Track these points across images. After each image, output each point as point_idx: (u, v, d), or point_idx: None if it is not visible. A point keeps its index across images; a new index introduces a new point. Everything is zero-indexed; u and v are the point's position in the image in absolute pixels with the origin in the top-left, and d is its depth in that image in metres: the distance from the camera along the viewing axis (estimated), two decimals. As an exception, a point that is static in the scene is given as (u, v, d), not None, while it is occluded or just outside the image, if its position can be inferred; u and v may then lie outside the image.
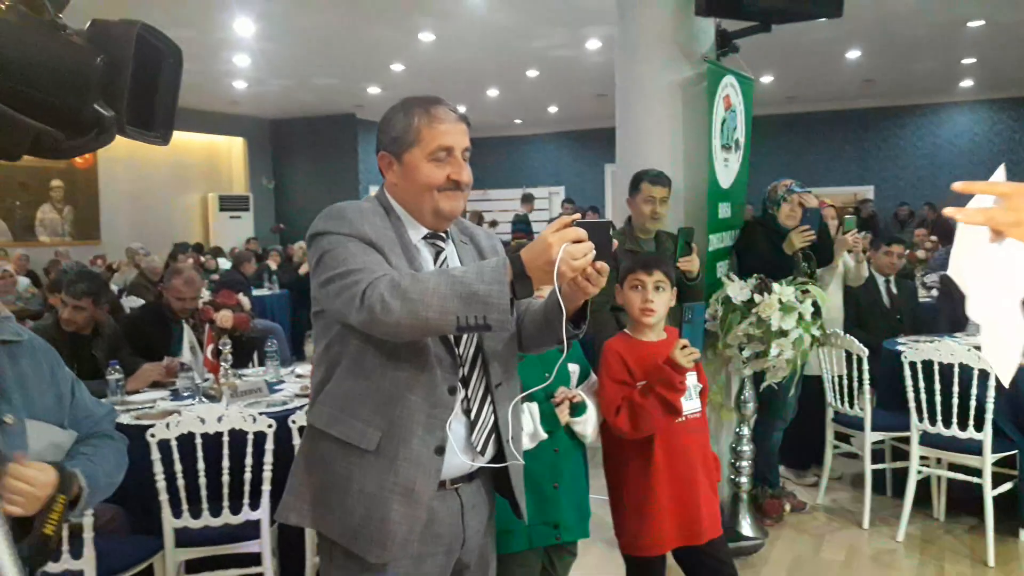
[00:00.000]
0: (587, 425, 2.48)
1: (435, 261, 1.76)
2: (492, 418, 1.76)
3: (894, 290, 5.07)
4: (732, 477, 3.84)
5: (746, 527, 3.80)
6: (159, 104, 0.85)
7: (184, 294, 3.98)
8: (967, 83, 12.15)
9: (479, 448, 1.74)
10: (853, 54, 10.08)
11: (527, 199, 12.70)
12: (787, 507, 4.16)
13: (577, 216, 1.56)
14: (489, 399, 1.76)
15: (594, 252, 1.50)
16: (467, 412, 1.73)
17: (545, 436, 2.36)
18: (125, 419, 3.09)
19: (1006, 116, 12.76)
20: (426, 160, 1.70)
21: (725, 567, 2.56)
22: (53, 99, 0.74)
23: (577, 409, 2.46)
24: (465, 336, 1.73)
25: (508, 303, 1.47)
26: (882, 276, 5.05)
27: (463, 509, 1.77)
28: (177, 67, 0.87)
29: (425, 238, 1.77)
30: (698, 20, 4.39)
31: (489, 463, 1.77)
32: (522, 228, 11.77)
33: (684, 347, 2.41)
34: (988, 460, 3.57)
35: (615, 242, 2.95)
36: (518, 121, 15.60)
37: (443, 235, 1.80)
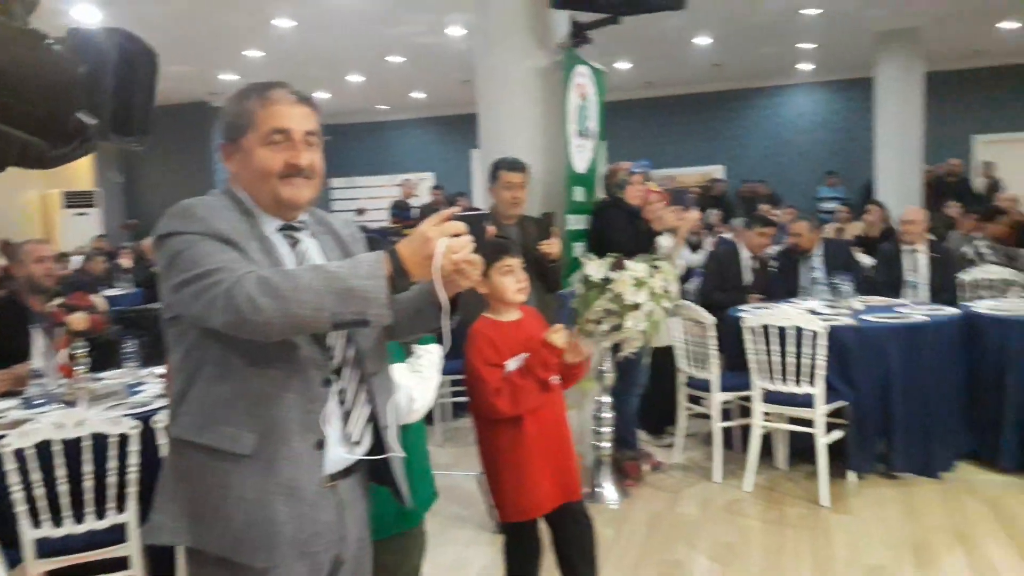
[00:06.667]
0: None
1: (293, 254, 1.68)
2: (368, 408, 1.72)
3: (756, 266, 5.45)
4: (595, 443, 4.08)
5: (608, 489, 4.06)
6: (135, 108, 0.81)
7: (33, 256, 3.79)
8: (807, 66, 13.00)
9: (356, 440, 1.70)
10: (703, 40, 10.62)
11: (406, 184, 12.43)
12: (646, 468, 4.44)
13: (458, 209, 1.54)
14: (364, 389, 1.71)
15: (472, 245, 1.48)
16: (342, 403, 1.68)
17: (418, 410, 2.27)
18: (-27, 431, 2.95)
19: (842, 96, 13.71)
20: (261, 145, 1.61)
21: (586, 526, 2.75)
22: (37, 110, 0.71)
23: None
24: None
25: (386, 298, 1.43)
26: (748, 253, 5.42)
27: (342, 506, 1.71)
28: (151, 70, 0.82)
29: (280, 230, 1.68)
30: (553, 11, 4.56)
31: (367, 455, 1.73)
32: (399, 214, 11.54)
33: (557, 331, 2.61)
34: (820, 412, 3.95)
35: (491, 229, 3.05)
36: (383, 107, 15.46)
37: (298, 226, 1.71)
